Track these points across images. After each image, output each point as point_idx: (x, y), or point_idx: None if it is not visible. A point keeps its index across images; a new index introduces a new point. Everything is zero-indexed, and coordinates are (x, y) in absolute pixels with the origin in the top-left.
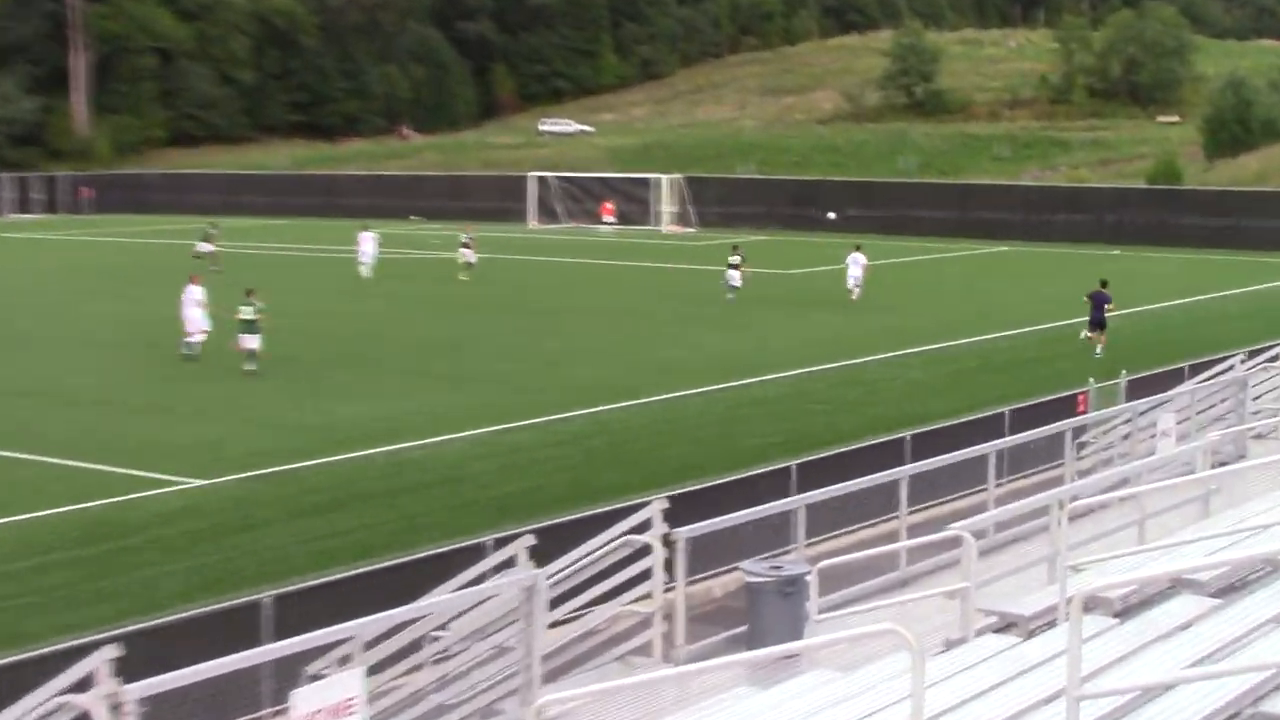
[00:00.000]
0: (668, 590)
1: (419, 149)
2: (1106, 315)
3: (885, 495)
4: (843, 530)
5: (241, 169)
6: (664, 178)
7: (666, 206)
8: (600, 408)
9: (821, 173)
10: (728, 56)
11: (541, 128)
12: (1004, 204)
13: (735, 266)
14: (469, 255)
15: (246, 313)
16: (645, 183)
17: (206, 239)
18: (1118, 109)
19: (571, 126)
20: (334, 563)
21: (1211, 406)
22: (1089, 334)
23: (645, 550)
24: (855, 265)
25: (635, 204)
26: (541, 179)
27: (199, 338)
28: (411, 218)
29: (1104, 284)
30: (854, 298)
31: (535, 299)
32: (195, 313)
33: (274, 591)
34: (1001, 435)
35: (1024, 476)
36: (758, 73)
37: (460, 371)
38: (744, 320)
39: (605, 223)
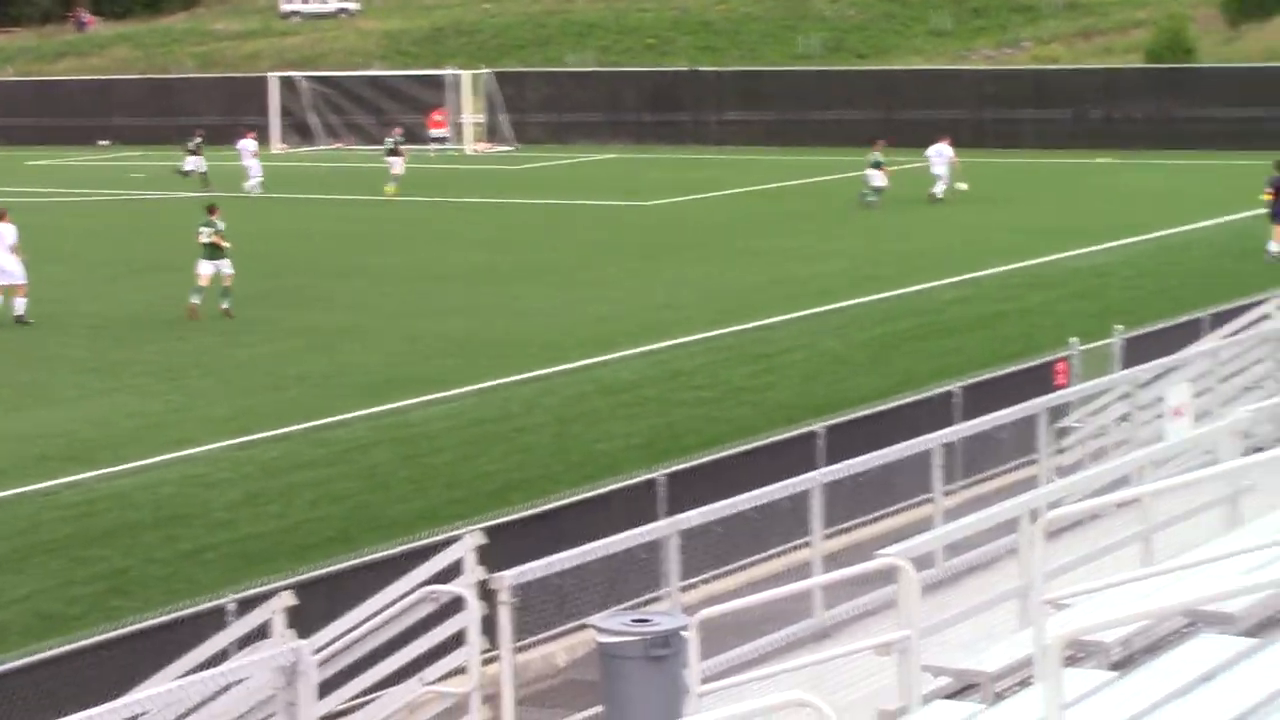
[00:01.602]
0: (489, 660)
1: (105, 41)
2: None
3: (791, 514)
4: (733, 566)
5: None
6: (465, 74)
7: (470, 116)
8: (387, 406)
9: (689, 60)
10: None
11: (284, 7)
12: (946, 97)
13: (878, 165)
14: (397, 164)
15: (205, 235)
16: (438, 82)
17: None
18: None
19: (328, 4)
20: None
21: (1241, 371)
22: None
23: (456, 605)
24: (940, 160)
25: (423, 113)
26: (288, 82)
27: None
28: (100, 142)
29: None
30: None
31: (286, 257)
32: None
33: None
34: (950, 423)
35: (984, 480)
36: None
37: (177, 362)
38: (591, 275)
39: (434, 138)
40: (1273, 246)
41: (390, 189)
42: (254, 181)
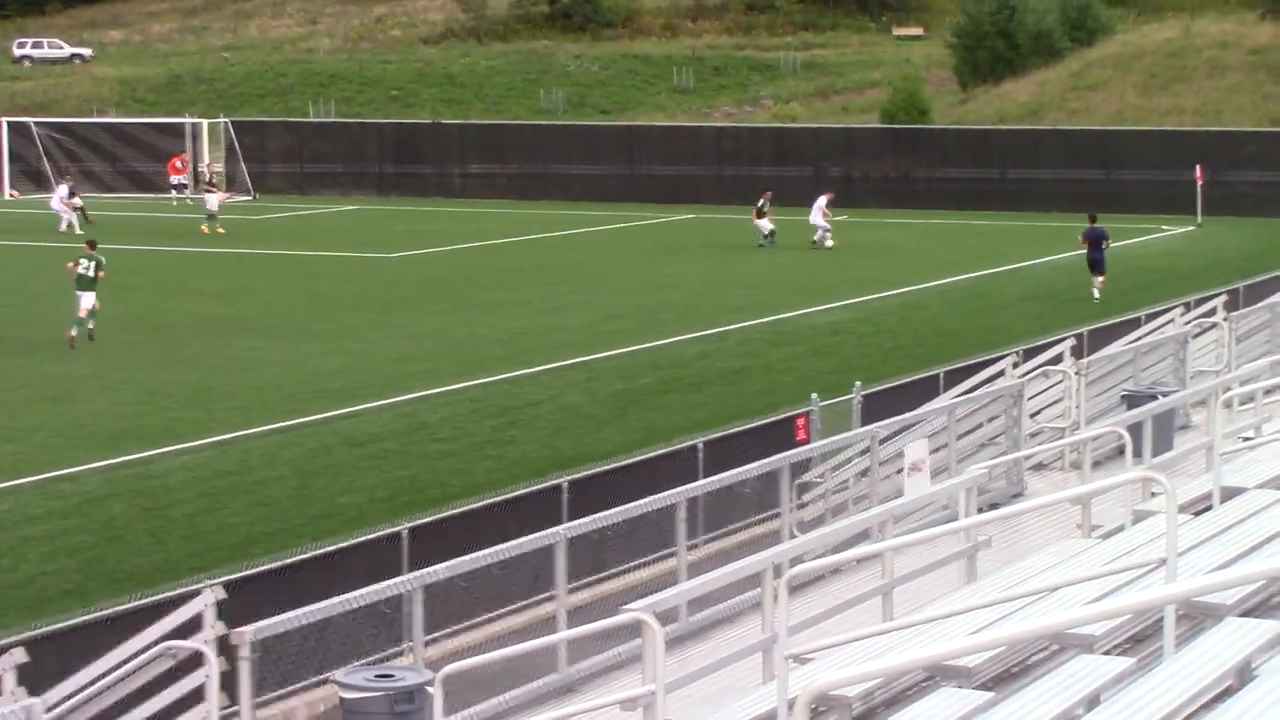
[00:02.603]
0: (228, 717)
1: None
2: (1105, 253)
3: (535, 568)
4: (477, 620)
5: None
6: (204, 123)
7: (210, 165)
8: (124, 458)
9: (432, 113)
10: None
11: (16, 51)
12: (688, 153)
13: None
14: (212, 201)
15: (85, 267)
16: (177, 130)
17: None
18: (839, 20)
19: (62, 49)
20: None
21: (977, 428)
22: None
23: (195, 661)
24: (817, 212)
25: (160, 161)
26: (20, 127)
27: None
28: None
29: (1094, 219)
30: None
31: (17, 305)
32: None
33: None
34: (694, 477)
35: (727, 534)
36: None
37: None
38: (332, 327)
39: (174, 185)
40: (1096, 294)
41: (207, 228)
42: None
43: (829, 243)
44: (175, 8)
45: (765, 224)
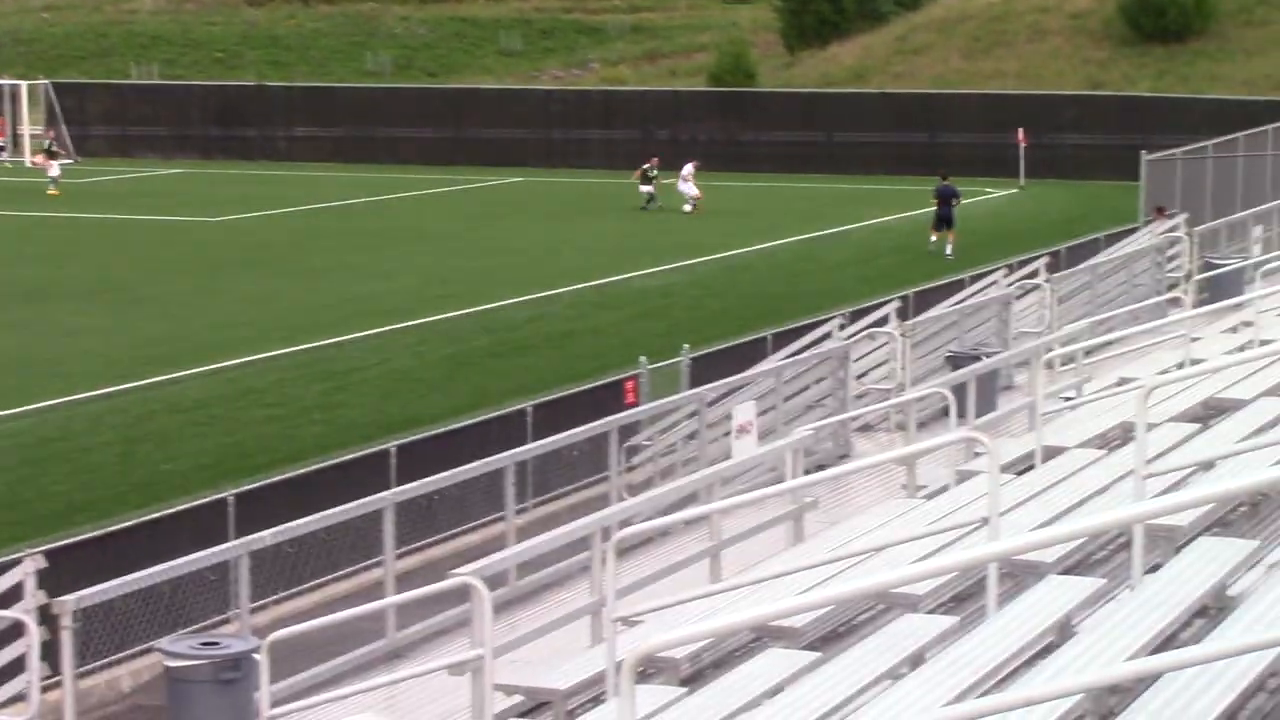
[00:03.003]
0: (50, 687)
1: None
2: (954, 210)
3: (362, 533)
4: (304, 586)
5: None
6: (23, 84)
7: (29, 127)
8: None
9: (257, 75)
10: None
11: None
12: (516, 117)
13: (650, 180)
14: (54, 167)
15: None
16: None
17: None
18: None
19: None
20: None
21: (804, 390)
22: (935, 235)
23: (15, 631)
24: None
25: None
26: None
27: None
28: None
29: (945, 176)
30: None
31: None
32: None
33: None
34: (523, 441)
35: (556, 498)
36: None
37: None
38: (156, 291)
39: None
40: (940, 247)
41: (52, 191)
42: None
43: (686, 208)
44: None
45: (649, 189)
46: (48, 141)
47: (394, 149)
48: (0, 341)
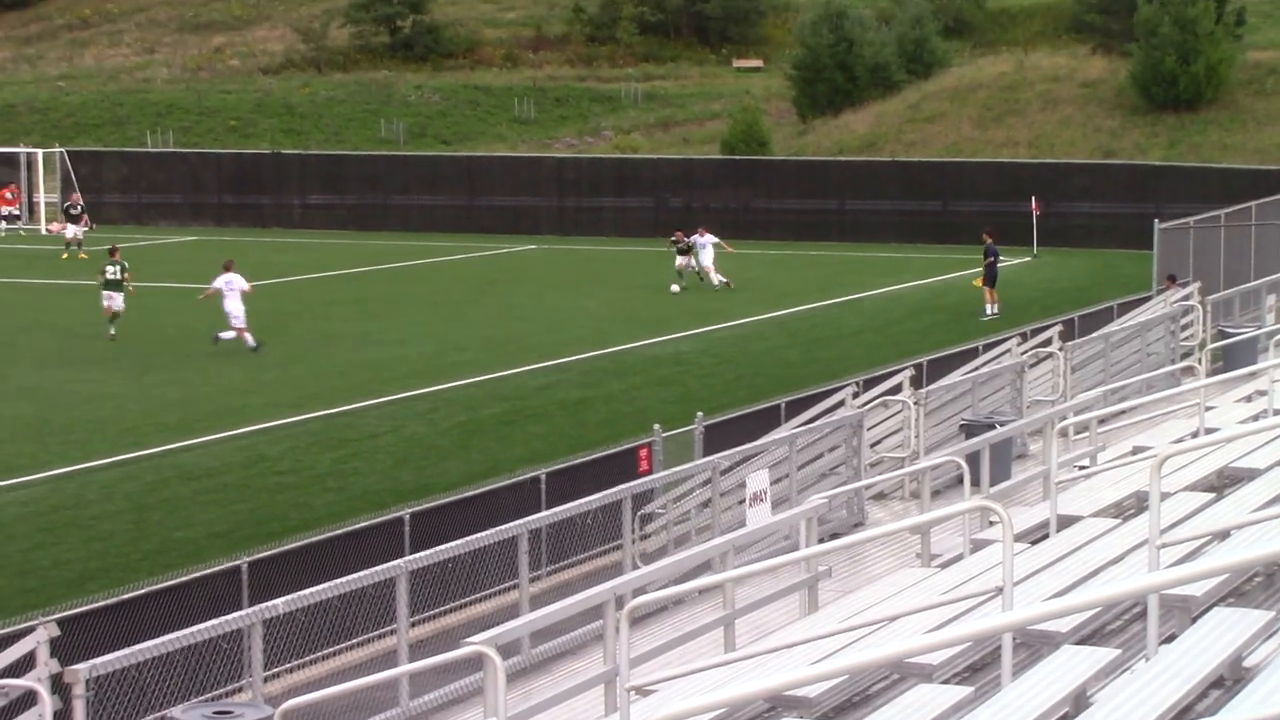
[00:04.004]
0: None
1: None
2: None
3: (376, 601)
4: (318, 655)
5: None
6: (39, 152)
7: (45, 195)
8: None
9: (271, 143)
10: None
11: None
12: (529, 184)
13: (684, 252)
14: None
15: (111, 272)
16: (11, 160)
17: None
18: (680, 51)
19: None
20: None
21: (818, 458)
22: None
23: (29, 699)
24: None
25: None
26: None
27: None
28: None
29: (989, 233)
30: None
31: None
32: None
33: None
34: (537, 509)
35: (569, 566)
36: (172, 0)
37: None
38: (168, 358)
39: (3, 216)
40: (989, 309)
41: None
42: None
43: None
44: (9, 35)
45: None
46: (76, 208)
47: (407, 216)
48: (17, 408)
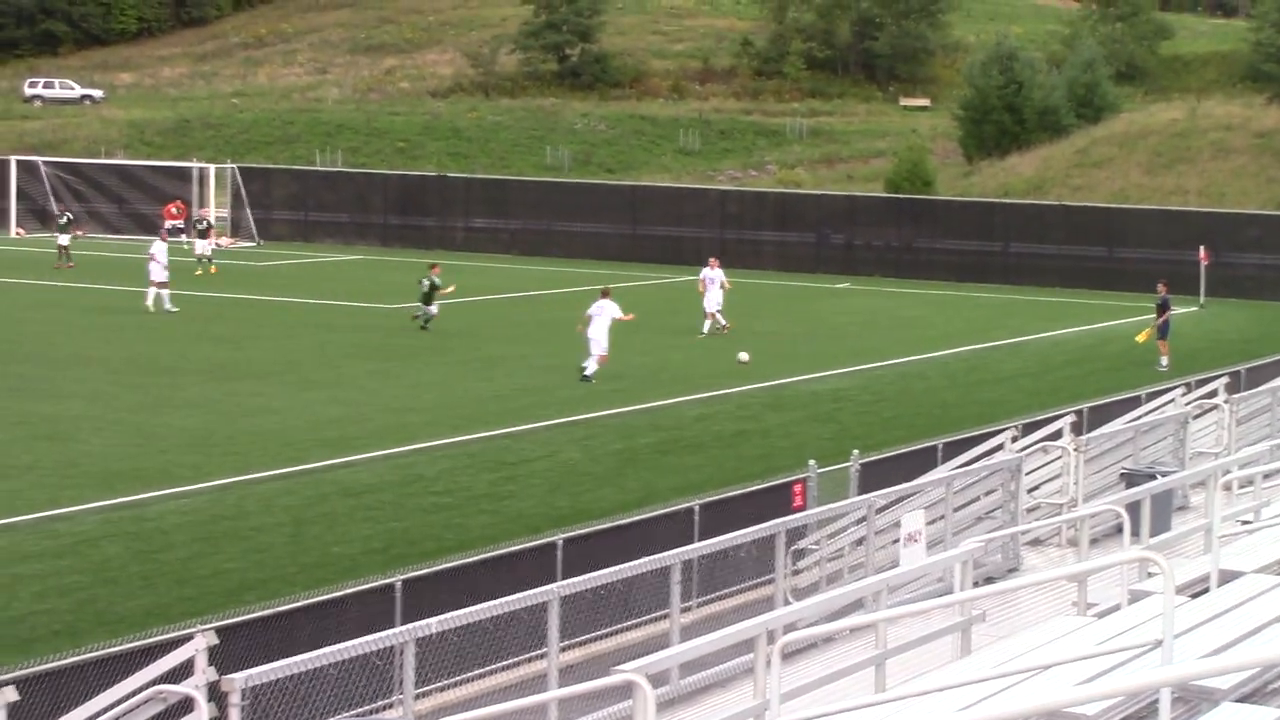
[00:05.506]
0: None
1: None
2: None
3: (528, 625)
4: (468, 675)
5: None
6: (211, 168)
7: (215, 210)
8: (120, 499)
9: (438, 165)
10: None
11: (29, 91)
12: (692, 215)
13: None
14: (201, 245)
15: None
16: (184, 174)
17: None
18: (847, 88)
19: (73, 90)
20: None
21: (973, 501)
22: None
23: (185, 706)
24: (713, 285)
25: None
26: (28, 165)
27: None
28: None
29: (1165, 285)
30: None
31: (14, 342)
32: None
33: None
34: (690, 539)
35: (721, 598)
36: (345, 21)
37: None
38: (332, 375)
39: (166, 230)
40: (1165, 361)
41: (201, 270)
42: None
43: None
44: (186, 53)
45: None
46: (203, 222)
47: (569, 243)
48: (183, 419)
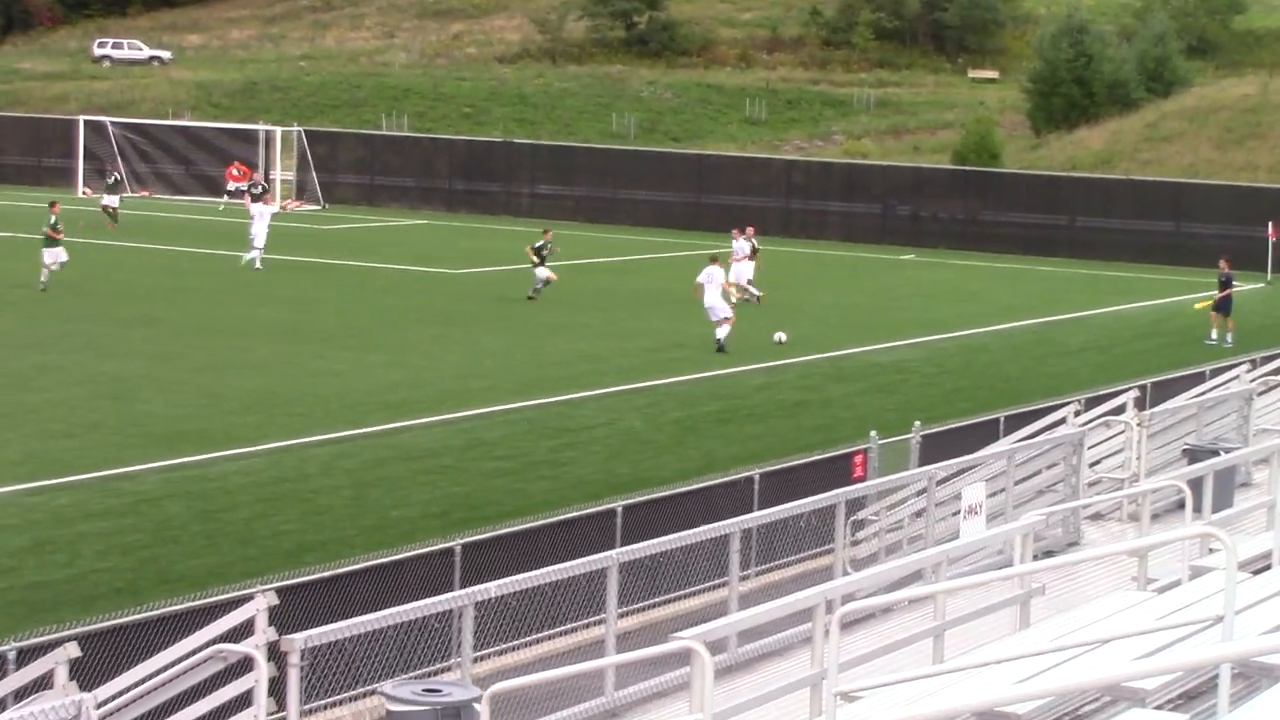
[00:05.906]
0: None
1: None
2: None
3: (587, 591)
4: (526, 639)
5: None
6: (277, 130)
7: (281, 172)
8: (182, 459)
9: (503, 131)
10: None
11: (97, 51)
12: (758, 185)
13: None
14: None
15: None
16: (250, 137)
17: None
18: (915, 59)
19: (141, 51)
20: None
21: (1035, 474)
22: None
23: (244, 665)
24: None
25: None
26: (96, 126)
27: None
28: None
29: (1227, 260)
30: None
31: (82, 303)
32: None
33: None
34: (749, 508)
35: (780, 567)
36: None
37: None
38: (396, 339)
39: (229, 191)
40: (1214, 335)
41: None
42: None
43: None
44: (254, 15)
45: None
46: (259, 187)
47: (634, 211)
48: (247, 380)
